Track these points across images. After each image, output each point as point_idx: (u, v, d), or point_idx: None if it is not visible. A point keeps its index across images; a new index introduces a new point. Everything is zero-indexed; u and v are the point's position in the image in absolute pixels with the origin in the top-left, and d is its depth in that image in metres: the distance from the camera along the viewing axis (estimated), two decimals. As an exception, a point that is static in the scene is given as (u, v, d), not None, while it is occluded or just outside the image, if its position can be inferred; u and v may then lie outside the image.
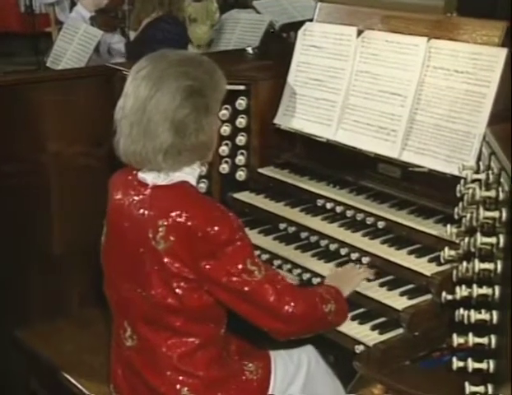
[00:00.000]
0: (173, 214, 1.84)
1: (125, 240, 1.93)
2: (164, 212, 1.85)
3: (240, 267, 1.84)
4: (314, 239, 2.39)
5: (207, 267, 1.84)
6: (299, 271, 2.30)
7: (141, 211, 1.89)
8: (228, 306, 1.92)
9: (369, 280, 2.16)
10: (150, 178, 1.92)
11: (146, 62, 1.89)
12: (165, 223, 1.84)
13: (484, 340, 1.68)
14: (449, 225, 2.04)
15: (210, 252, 1.83)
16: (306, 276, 2.27)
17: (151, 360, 1.95)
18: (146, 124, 1.83)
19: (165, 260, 1.84)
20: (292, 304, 1.88)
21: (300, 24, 2.72)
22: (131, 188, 1.94)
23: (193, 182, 1.94)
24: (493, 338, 1.65)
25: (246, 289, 1.85)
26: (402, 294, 2.08)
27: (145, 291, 1.90)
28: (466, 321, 1.75)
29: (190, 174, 1.93)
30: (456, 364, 1.76)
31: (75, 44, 4.14)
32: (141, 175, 1.93)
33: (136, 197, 1.92)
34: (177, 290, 1.86)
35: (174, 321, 1.90)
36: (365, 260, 2.23)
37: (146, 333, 1.94)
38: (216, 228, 1.82)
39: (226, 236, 1.83)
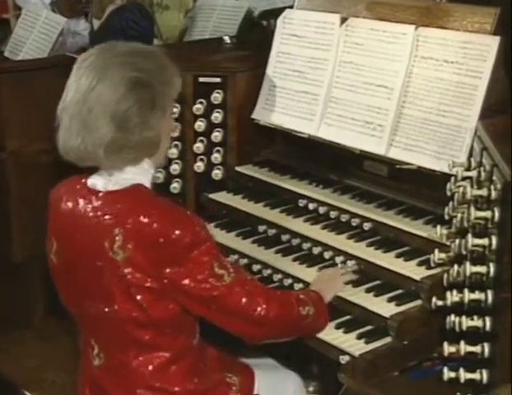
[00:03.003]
0: (129, 220, 1.83)
1: (80, 254, 1.91)
2: (119, 219, 1.84)
3: (207, 272, 1.84)
4: (295, 242, 2.39)
5: (172, 274, 1.83)
6: (280, 276, 2.30)
7: (95, 220, 1.87)
8: (197, 314, 1.91)
9: (354, 285, 2.17)
10: (100, 183, 1.91)
11: (94, 51, 1.90)
12: (122, 231, 1.82)
13: (477, 348, 1.70)
14: (438, 226, 2.06)
15: (173, 258, 1.82)
16: (288, 281, 2.28)
17: (122, 378, 1.94)
18: (86, 116, 1.82)
19: (125, 271, 1.83)
20: (264, 305, 1.89)
21: (281, 11, 2.73)
22: (80, 197, 1.92)
23: (148, 184, 1.92)
24: (486, 346, 1.67)
25: (215, 294, 1.85)
26: (389, 300, 2.09)
27: (108, 307, 1.88)
28: (457, 328, 1.76)
29: (143, 175, 1.91)
30: (447, 374, 1.78)
31: (35, 32, 4.09)
32: (91, 182, 1.93)
33: (87, 207, 1.90)
34: (141, 302, 1.85)
35: (142, 335, 1.89)
36: (350, 263, 2.24)
37: (115, 351, 1.93)
38: (177, 232, 1.81)
39: (189, 240, 1.82)
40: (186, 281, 1.83)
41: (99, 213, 1.87)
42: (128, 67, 1.84)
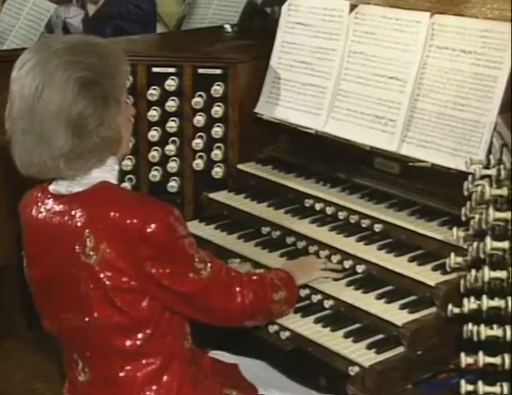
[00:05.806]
0: (99, 219, 1.84)
1: (52, 265, 1.92)
2: (88, 220, 1.85)
3: (186, 267, 1.89)
4: (301, 244, 2.39)
5: (150, 269, 1.85)
6: (284, 282, 2.31)
7: (61, 226, 1.88)
8: (174, 309, 1.94)
9: (364, 291, 2.17)
10: (63, 187, 1.91)
11: (29, 54, 1.86)
12: (92, 231, 1.84)
13: (496, 359, 1.70)
14: (455, 228, 2.06)
15: (150, 253, 1.84)
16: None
17: (110, 392, 1.95)
18: (39, 129, 1.81)
19: (101, 275, 1.84)
20: (240, 295, 1.99)
21: (286, -3, 2.74)
22: (44, 205, 1.93)
23: (114, 180, 1.93)
24: (507, 357, 1.66)
25: (194, 289, 1.91)
26: (402, 307, 2.09)
27: (87, 316, 1.89)
28: (475, 338, 1.76)
29: (108, 172, 1.91)
30: (465, 387, 1.77)
31: (22, 19, 4.10)
32: (53, 187, 1.93)
33: (51, 213, 1.91)
34: (120, 306, 1.86)
35: (126, 343, 1.90)
36: (360, 268, 2.25)
37: (99, 363, 1.94)
38: (152, 226, 1.83)
39: (165, 234, 1.85)
40: (165, 277, 1.86)
41: (66, 218, 1.88)
42: (72, 67, 1.81)
